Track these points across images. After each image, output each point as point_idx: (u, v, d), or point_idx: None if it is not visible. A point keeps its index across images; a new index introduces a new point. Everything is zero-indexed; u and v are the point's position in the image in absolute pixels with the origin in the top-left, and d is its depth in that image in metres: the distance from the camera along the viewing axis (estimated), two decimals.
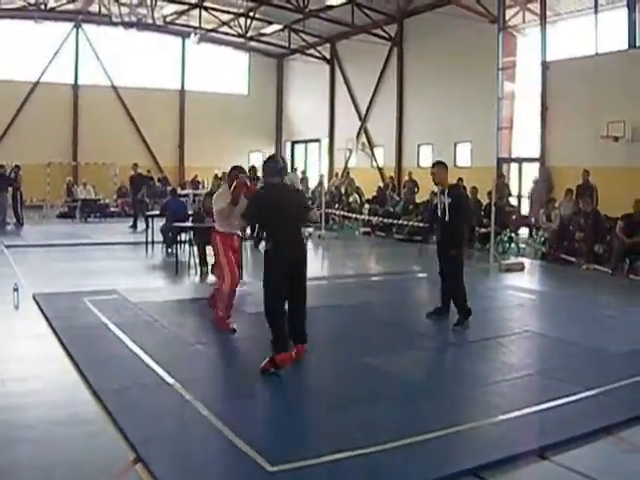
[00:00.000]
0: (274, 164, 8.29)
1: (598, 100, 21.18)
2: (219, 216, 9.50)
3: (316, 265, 18.20)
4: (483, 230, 18.52)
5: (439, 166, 10.16)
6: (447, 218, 9.86)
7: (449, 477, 5.06)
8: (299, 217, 8.11)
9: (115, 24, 29.41)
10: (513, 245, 19.75)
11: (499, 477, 5.10)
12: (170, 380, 7.02)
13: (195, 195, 32.47)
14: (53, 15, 32.27)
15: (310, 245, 20.46)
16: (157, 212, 19.24)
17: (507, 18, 25.37)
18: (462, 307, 9.92)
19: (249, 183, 9.64)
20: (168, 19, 32.09)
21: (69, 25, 34.17)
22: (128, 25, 29.61)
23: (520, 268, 16.18)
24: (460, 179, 19.40)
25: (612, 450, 5.71)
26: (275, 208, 7.76)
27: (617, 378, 7.32)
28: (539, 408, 6.46)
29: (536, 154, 24.21)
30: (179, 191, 26.84)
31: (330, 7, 28.74)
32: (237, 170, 9.74)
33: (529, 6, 24.68)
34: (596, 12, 22.16)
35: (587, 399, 6.74)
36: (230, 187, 9.34)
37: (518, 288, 13.51)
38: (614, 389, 7.03)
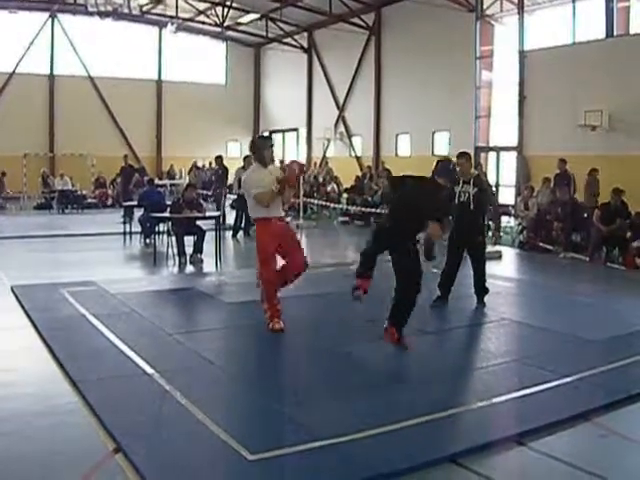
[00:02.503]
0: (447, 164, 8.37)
1: (576, 89, 21.28)
2: (256, 201, 8.67)
3: None
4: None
5: (464, 157, 10.43)
6: (472, 207, 10.10)
7: (427, 464, 5.08)
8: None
9: (91, 14, 29.28)
10: (491, 233, 19.81)
11: (477, 463, 5.12)
12: (150, 370, 7.01)
13: (172, 185, 32.50)
14: (28, 5, 32.12)
15: None
16: (135, 202, 19.18)
17: (485, 7, 25.42)
18: (485, 287, 10.53)
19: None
20: (144, 8, 31.93)
21: (44, 15, 33.98)
22: (104, 15, 29.46)
23: (498, 256, 16.24)
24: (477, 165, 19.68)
25: (589, 436, 5.77)
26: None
27: (594, 365, 7.38)
28: (517, 395, 6.50)
29: (514, 143, 24.32)
30: (156, 181, 26.89)
31: None
32: (269, 142, 9.04)
33: None
34: (573, 1, 22.25)
35: (564, 386, 6.79)
36: (263, 164, 8.77)
37: (496, 276, 13.53)
38: (591, 376, 7.08)
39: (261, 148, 8.81)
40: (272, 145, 8.95)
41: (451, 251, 10.47)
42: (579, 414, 6.05)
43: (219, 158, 21.48)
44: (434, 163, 8.27)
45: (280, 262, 9.02)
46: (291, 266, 8.91)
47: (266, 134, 9.43)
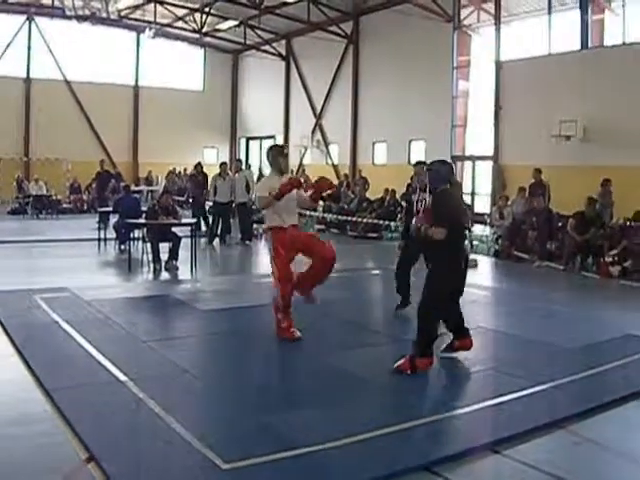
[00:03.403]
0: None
1: (551, 100, 21.49)
2: (257, 203, 9.06)
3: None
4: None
5: (421, 165, 10.33)
6: None
7: (402, 472, 5.06)
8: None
9: (69, 17, 29.17)
10: (466, 242, 19.88)
11: (452, 472, 5.12)
12: (123, 378, 6.94)
13: (149, 191, 32.39)
14: (5, 7, 31.91)
15: (264, 242, 20.45)
16: (110, 208, 19.07)
17: (462, 17, 25.67)
18: None
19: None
20: (123, 13, 31.90)
21: (21, 18, 33.80)
22: (82, 19, 29.40)
23: (473, 265, 16.27)
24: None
25: (563, 443, 5.78)
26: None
27: (569, 372, 7.41)
28: (492, 403, 6.51)
29: (489, 152, 24.48)
30: (132, 187, 26.81)
31: (286, 3, 28.79)
32: (284, 151, 9.26)
33: (484, 6, 24.99)
34: (549, 13, 22.52)
35: (539, 393, 6.81)
36: (279, 172, 8.86)
37: (471, 285, 13.48)
38: (565, 383, 7.11)
39: (277, 156, 8.92)
40: (287, 154, 9.16)
41: (405, 257, 10.43)
42: (554, 422, 6.06)
43: (199, 165, 21.45)
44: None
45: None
46: (320, 259, 8.76)
47: (280, 143, 9.58)
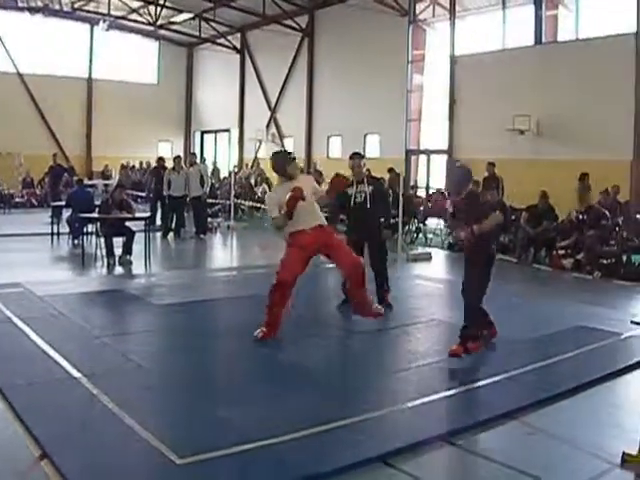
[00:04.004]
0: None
1: (505, 94, 21.68)
2: (273, 226, 8.69)
3: (226, 256, 18.18)
4: (391, 220, 18.72)
5: (357, 157, 10.49)
6: (369, 206, 10.17)
7: (357, 465, 5.09)
8: None
9: (21, 9, 28.76)
10: (421, 235, 20.03)
11: (407, 463, 5.16)
12: (76, 374, 6.87)
13: (106, 185, 32.08)
14: None
15: (219, 236, 20.42)
16: (63, 203, 18.86)
17: (417, 12, 25.73)
18: (385, 286, 10.42)
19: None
20: (76, 5, 31.51)
21: None
22: (34, 10, 29.03)
23: (427, 258, 16.41)
24: (391, 169, 20.34)
25: (516, 434, 5.85)
26: None
27: (522, 364, 7.50)
28: (446, 394, 6.57)
29: (444, 146, 24.62)
30: (86, 181, 26.50)
31: None
32: (289, 157, 8.81)
33: (439, 0, 25.07)
34: (504, 8, 22.69)
35: (493, 385, 6.88)
36: (289, 178, 8.49)
37: (425, 277, 13.72)
38: (519, 374, 7.19)
39: (284, 163, 8.58)
40: (294, 158, 8.74)
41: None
42: (507, 413, 6.13)
43: (161, 159, 21.27)
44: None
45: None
46: (347, 268, 8.56)
47: (280, 149, 9.30)
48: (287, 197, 8.10)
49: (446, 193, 8.79)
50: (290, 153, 8.94)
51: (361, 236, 10.23)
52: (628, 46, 19.07)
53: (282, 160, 8.64)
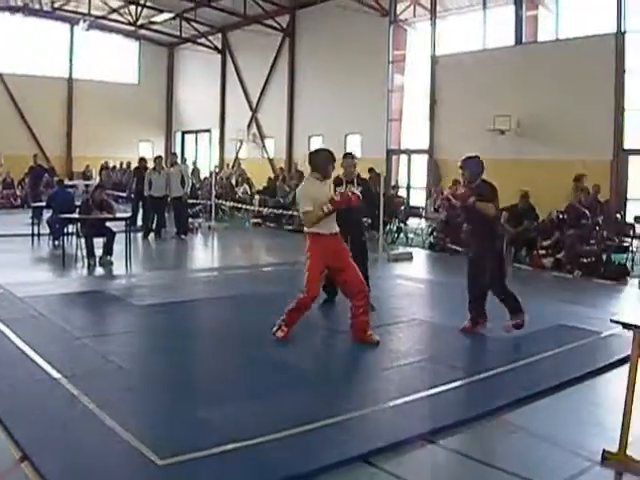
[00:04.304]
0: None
1: (485, 94, 21.75)
2: (303, 218, 8.51)
3: (207, 257, 18.14)
4: (371, 220, 18.78)
5: (348, 157, 10.64)
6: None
7: (339, 464, 5.08)
8: None
9: (1, 8, 28.55)
10: (402, 235, 20.07)
11: (389, 462, 5.16)
12: (57, 375, 6.82)
13: (86, 186, 31.92)
14: None
15: (200, 236, 20.37)
16: (43, 203, 18.76)
17: (398, 12, 25.79)
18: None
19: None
20: (56, 5, 31.35)
21: None
22: (14, 10, 28.84)
23: (408, 258, 16.44)
24: (371, 169, 20.45)
25: (497, 432, 5.88)
26: None
27: (502, 362, 7.55)
28: (427, 394, 6.58)
29: (425, 146, 24.67)
30: (67, 182, 26.38)
31: None
32: (330, 156, 8.54)
33: (420, 1, 25.12)
34: (484, 8, 22.77)
35: (473, 383, 6.91)
36: (323, 177, 8.45)
37: (406, 277, 13.74)
38: (500, 373, 7.23)
39: (327, 162, 8.44)
40: (335, 160, 8.56)
41: None
42: (488, 411, 6.15)
43: (143, 160, 21.17)
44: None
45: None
46: (349, 287, 8.51)
47: (323, 147, 9.30)
48: (336, 196, 8.28)
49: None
50: (332, 154, 8.65)
51: (345, 234, 10.27)
52: (608, 46, 19.20)
53: (327, 160, 8.47)
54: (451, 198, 9.19)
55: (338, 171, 9.64)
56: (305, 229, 8.47)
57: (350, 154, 10.81)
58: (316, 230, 8.29)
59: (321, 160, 8.45)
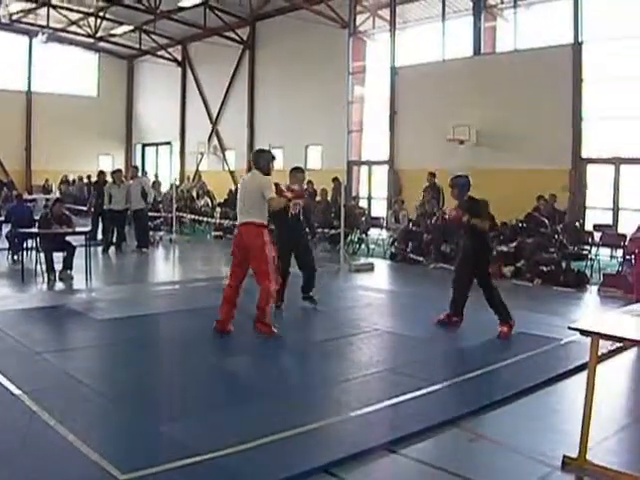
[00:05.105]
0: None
1: (445, 105, 21.93)
2: (269, 203, 9.27)
3: (168, 270, 18.04)
4: (333, 231, 18.86)
5: (298, 170, 11.52)
6: (301, 218, 11.08)
7: (300, 475, 5.09)
8: None
9: None
10: (363, 246, 20.12)
11: (350, 472, 5.18)
12: (16, 391, 6.73)
13: (47, 200, 31.61)
14: None
15: (161, 249, 20.27)
16: (2, 218, 18.55)
17: (357, 23, 25.92)
18: (311, 285, 11.31)
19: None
20: (14, 17, 31.04)
21: None
22: None
23: (370, 268, 16.48)
24: (335, 178, 20.88)
25: (458, 441, 5.90)
26: None
27: (463, 371, 7.59)
28: (388, 403, 6.59)
29: (385, 157, 24.79)
30: (26, 196, 26.15)
31: (182, 9, 28.55)
32: (272, 156, 9.67)
33: (379, 12, 25.29)
34: (443, 20, 22.96)
35: (434, 393, 6.93)
36: (266, 174, 9.37)
37: (367, 288, 13.77)
38: (460, 382, 7.27)
39: (270, 160, 9.44)
40: (274, 157, 9.64)
41: (284, 258, 10.79)
42: (448, 420, 6.19)
43: (102, 173, 21.01)
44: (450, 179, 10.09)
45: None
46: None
47: (264, 148, 10.53)
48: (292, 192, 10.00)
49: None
50: (273, 154, 9.75)
51: (292, 243, 10.96)
52: (565, 57, 19.49)
53: (269, 159, 9.48)
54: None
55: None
56: (257, 220, 9.22)
57: (298, 168, 11.55)
58: (264, 221, 9.30)
59: (264, 160, 9.44)
